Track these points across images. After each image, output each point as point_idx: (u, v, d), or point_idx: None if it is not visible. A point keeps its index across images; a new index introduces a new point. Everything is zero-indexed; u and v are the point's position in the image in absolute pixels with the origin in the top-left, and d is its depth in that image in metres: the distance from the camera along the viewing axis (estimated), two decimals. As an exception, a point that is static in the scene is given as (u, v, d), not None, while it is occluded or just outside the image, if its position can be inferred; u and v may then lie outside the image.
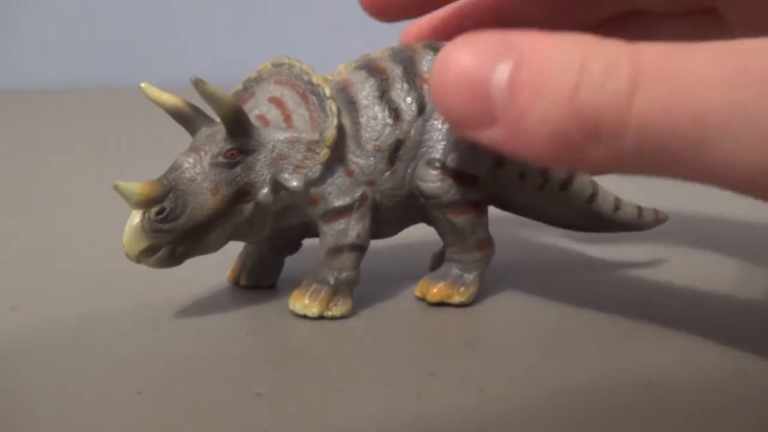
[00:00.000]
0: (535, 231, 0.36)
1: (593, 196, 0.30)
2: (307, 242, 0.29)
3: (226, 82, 0.29)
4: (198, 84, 0.24)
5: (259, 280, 0.29)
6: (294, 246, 0.29)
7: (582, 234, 0.33)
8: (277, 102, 0.27)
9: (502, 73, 0.21)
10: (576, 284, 0.31)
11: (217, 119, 0.26)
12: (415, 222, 0.29)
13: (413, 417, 0.20)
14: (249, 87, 0.27)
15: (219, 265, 0.29)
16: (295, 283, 0.29)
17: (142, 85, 0.26)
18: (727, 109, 0.18)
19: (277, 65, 0.27)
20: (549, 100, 0.20)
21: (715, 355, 0.24)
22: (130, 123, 0.70)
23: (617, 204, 0.31)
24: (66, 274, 0.31)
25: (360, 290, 0.27)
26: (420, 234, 0.31)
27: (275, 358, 0.24)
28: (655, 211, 0.32)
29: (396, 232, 0.29)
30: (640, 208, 0.32)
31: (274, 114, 0.26)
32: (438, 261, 0.32)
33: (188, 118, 0.26)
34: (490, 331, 0.26)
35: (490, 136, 0.22)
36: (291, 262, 0.30)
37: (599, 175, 0.24)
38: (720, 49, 0.18)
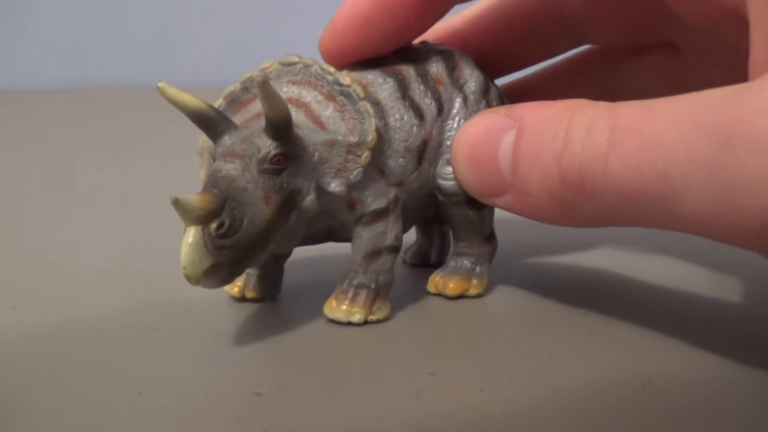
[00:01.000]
0: (532, 229, 0.36)
1: None
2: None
3: (226, 82, 0.28)
4: (264, 85, 0.22)
5: (267, 292, 0.28)
6: (288, 252, 0.28)
7: (577, 231, 0.33)
8: (297, 103, 0.25)
9: (506, 144, 0.24)
10: (575, 284, 0.31)
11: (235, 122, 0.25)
12: (423, 219, 0.29)
13: (413, 417, 0.20)
14: (251, 87, 0.26)
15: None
16: (291, 285, 0.29)
17: (160, 84, 0.23)
18: (687, 166, 0.19)
19: (287, 64, 0.26)
20: (542, 166, 0.23)
21: (714, 355, 0.24)
22: (131, 123, 0.70)
23: None
24: (66, 274, 0.31)
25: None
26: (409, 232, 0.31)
27: (275, 358, 0.24)
28: None
29: (407, 230, 0.29)
30: None
31: (297, 115, 0.25)
32: (417, 256, 0.32)
33: (212, 122, 0.24)
34: (490, 331, 0.26)
35: (504, 202, 0.25)
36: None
37: (598, 227, 0.25)
38: (680, 107, 0.20)
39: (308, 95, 0.25)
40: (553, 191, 0.22)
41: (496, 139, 0.24)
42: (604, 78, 0.32)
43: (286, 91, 0.26)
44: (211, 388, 0.22)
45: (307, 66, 0.26)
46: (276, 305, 0.28)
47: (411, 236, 0.32)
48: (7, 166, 0.52)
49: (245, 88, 0.26)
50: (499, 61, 0.31)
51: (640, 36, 0.30)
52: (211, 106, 0.24)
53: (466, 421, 0.20)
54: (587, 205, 0.22)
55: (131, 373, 0.22)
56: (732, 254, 0.34)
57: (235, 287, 0.28)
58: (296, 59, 0.26)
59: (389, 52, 0.28)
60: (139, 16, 0.98)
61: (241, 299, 0.28)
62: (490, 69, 0.30)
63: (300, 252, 0.29)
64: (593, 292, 0.30)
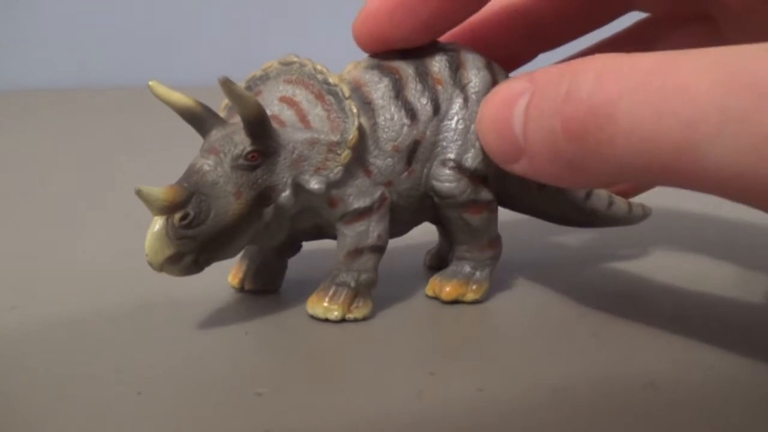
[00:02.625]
0: (532, 229, 0.36)
1: (589, 194, 0.31)
2: (306, 244, 0.29)
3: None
4: (226, 84, 0.23)
5: (265, 285, 0.28)
6: (295, 248, 0.29)
7: (578, 231, 0.33)
8: (290, 102, 0.26)
9: (520, 107, 0.23)
10: (575, 284, 0.31)
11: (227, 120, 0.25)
12: (423, 221, 0.29)
13: (413, 417, 0.20)
14: (254, 86, 0.27)
15: (218, 263, 0.29)
16: (295, 285, 0.29)
17: (151, 83, 0.25)
18: (720, 114, 0.18)
19: (286, 64, 0.27)
20: (545, 120, 0.21)
21: (715, 355, 0.24)
22: (130, 123, 0.70)
23: (610, 200, 0.32)
24: (66, 274, 0.31)
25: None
26: (413, 233, 0.30)
27: (275, 358, 0.24)
28: (642, 206, 0.33)
29: (406, 232, 0.29)
30: (629, 204, 0.33)
31: (287, 114, 0.26)
32: (435, 259, 0.32)
33: (200, 119, 0.25)
34: (489, 331, 0.26)
35: (521, 169, 0.24)
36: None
37: (610, 187, 0.24)
38: (709, 56, 0.19)
39: (300, 94, 0.26)
40: (555, 146, 0.21)
41: (512, 104, 0.23)
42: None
43: (281, 89, 0.26)
44: (211, 388, 0.22)
45: (302, 65, 0.26)
46: (277, 304, 0.28)
47: (433, 238, 0.32)
48: (7, 166, 0.52)
49: (248, 87, 0.27)
50: (552, 30, 0.31)
51: (682, 5, 0.30)
52: (200, 104, 0.25)
53: (466, 421, 0.20)
54: (592, 159, 0.20)
55: (131, 373, 0.22)
56: (733, 254, 0.34)
57: (236, 278, 0.29)
58: (294, 59, 0.27)
59: (424, 42, 0.27)
60: (139, 16, 0.98)
61: (241, 290, 0.28)
62: (542, 39, 0.30)
63: (305, 247, 0.29)
64: (593, 291, 0.30)
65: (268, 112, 0.25)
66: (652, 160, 0.19)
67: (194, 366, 0.23)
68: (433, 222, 0.29)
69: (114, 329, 0.26)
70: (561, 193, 0.30)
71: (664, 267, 0.33)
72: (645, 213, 0.34)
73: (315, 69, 0.26)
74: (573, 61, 0.22)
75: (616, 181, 0.22)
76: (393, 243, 0.28)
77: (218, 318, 0.27)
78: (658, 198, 0.36)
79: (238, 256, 0.28)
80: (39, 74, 0.93)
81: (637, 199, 0.34)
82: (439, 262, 0.32)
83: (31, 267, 0.32)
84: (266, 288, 0.28)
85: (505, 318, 0.27)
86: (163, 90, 0.24)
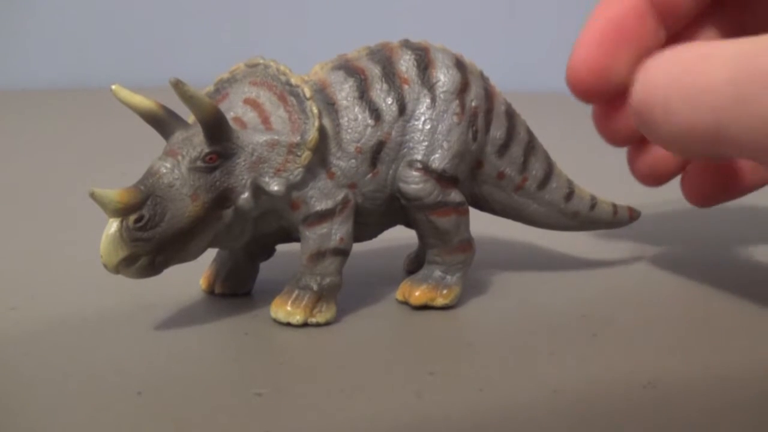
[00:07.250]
0: (519, 231, 0.36)
1: (570, 195, 0.31)
2: (280, 247, 0.29)
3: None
4: (177, 86, 0.23)
5: (235, 288, 0.28)
6: (268, 251, 0.29)
7: (562, 234, 0.33)
8: (254, 103, 0.26)
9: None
10: (575, 284, 0.31)
11: (191, 122, 0.25)
12: (394, 224, 0.29)
13: (413, 417, 0.20)
14: (222, 88, 0.27)
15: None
16: (274, 286, 0.29)
17: (113, 87, 0.24)
18: (734, 102, 0.21)
19: (252, 66, 0.27)
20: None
21: (715, 356, 0.24)
22: (130, 123, 0.70)
23: (593, 202, 0.31)
24: (66, 274, 0.31)
25: (340, 294, 0.27)
26: (396, 236, 0.30)
27: (275, 358, 0.24)
28: (630, 209, 0.33)
29: (375, 235, 0.29)
30: (615, 206, 0.32)
31: (250, 116, 0.26)
32: (414, 263, 0.31)
33: (162, 122, 0.25)
34: (489, 332, 0.26)
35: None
36: (264, 267, 0.29)
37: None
38: (728, 51, 0.22)
39: (264, 96, 0.26)
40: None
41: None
42: (735, 11, 0.30)
43: (247, 91, 0.26)
44: (211, 388, 0.22)
45: (266, 67, 0.26)
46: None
47: (413, 241, 0.32)
48: (7, 166, 0.52)
49: (217, 89, 0.27)
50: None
51: None
52: (161, 106, 0.25)
53: (466, 421, 0.20)
54: (653, 130, 0.24)
55: (131, 373, 0.22)
56: (733, 254, 0.34)
57: (206, 281, 0.28)
58: (260, 61, 0.27)
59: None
60: (139, 16, 0.98)
61: (211, 293, 0.28)
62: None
63: (291, 248, 0.29)
64: (594, 292, 0.30)
65: (233, 114, 0.25)
66: (696, 137, 0.23)
67: (194, 366, 0.23)
68: (406, 225, 0.29)
69: (114, 329, 0.26)
70: (539, 193, 0.30)
71: (665, 267, 0.33)
72: (633, 216, 0.33)
73: (278, 70, 0.26)
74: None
75: (674, 150, 0.25)
76: (372, 245, 0.27)
77: (218, 318, 0.27)
78: (648, 200, 0.36)
79: (209, 258, 0.28)
80: (39, 74, 0.93)
81: (625, 203, 0.33)
82: (417, 266, 0.31)
83: (31, 267, 0.32)
84: (235, 291, 0.28)
85: (504, 318, 0.27)
86: (125, 93, 0.24)
